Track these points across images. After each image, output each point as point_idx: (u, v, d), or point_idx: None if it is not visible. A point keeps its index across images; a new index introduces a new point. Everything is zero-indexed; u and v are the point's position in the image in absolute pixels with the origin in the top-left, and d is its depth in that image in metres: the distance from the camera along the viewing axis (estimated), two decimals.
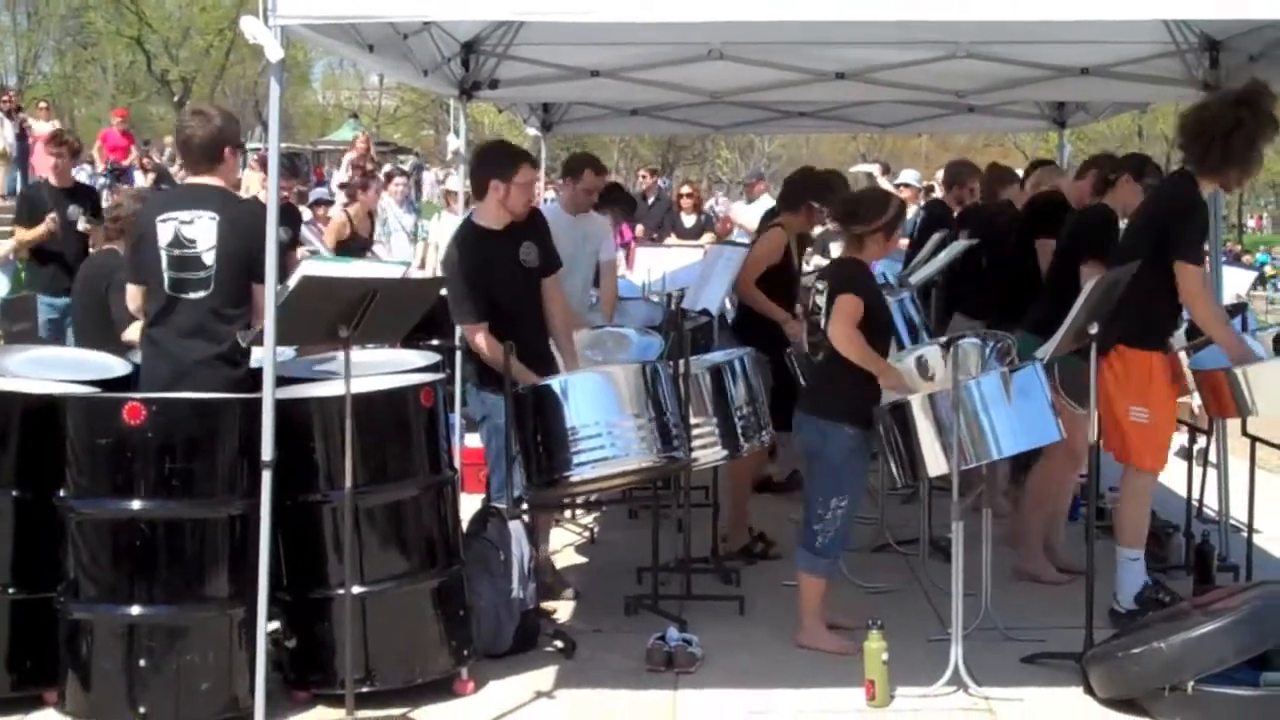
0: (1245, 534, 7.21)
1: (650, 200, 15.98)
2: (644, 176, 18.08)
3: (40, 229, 9.77)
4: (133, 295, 6.05)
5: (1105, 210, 7.02)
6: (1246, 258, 32.02)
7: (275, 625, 5.49)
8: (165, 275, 5.72)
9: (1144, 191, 6.98)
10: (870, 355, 5.96)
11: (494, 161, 6.49)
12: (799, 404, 6.26)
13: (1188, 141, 6.25)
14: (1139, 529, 6.43)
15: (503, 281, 6.41)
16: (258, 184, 11.81)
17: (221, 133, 5.83)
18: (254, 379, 5.67)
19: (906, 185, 14.70)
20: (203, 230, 5.70)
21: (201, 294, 5.69)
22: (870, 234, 6.06)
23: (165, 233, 5.73)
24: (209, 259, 5.69)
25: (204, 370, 5.66)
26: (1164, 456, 6.49)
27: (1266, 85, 6.22)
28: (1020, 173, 9.53)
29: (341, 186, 17.53)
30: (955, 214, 9.76)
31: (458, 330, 8.07)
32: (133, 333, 6.60)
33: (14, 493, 5.41)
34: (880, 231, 6.06)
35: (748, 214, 14.39)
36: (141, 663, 5.11)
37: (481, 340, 6.24)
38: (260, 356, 5.38)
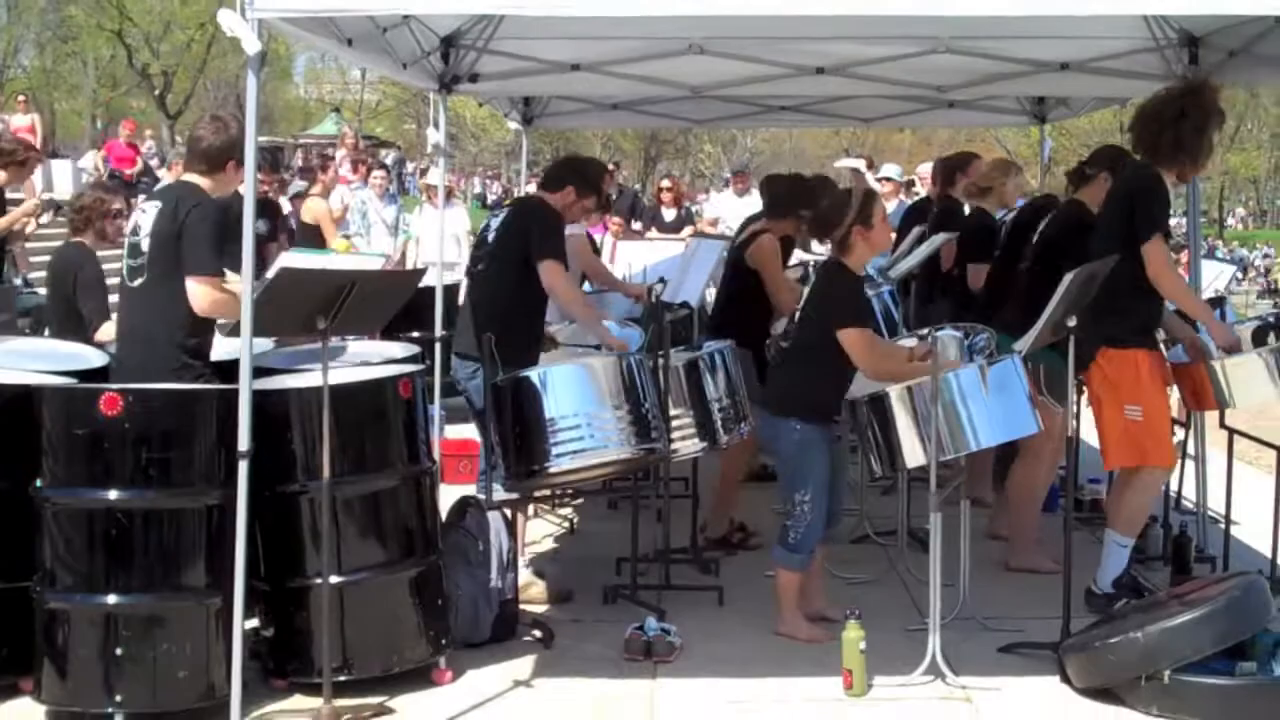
0: (1223, 525, 7.25)
1: (614, 194, 16.01)
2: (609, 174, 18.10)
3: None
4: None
5: (1079, 209, 7.05)
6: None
7: (254, 622, 5.50)
8: (124, 263, 5.73)
9: None
10: (908, 368, 5.98)
11: (582, 176, 6.96)
12: (760, 399, 6.31)
13: (1140, 132, 6.34)
14: (1136, 519, 6.49)
15: None
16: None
17: (234, 144, 5.72)
18: (220, 368, 5.67)
19: (888, 179, 14.73)
20: (147, 219, 5.66)
21: (140, 280, 5.64)
22: (846, 234, 6.03)
23: (131, 221, 5.80)
24: (145, 245, 5.63)
25: (149, 354, 5.60)
26: (1170, 449, 6.51)
27: (1209, 79, 6.42)
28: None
29: (301, 170, 17.50)
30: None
31: (438, 322, 8.10)
32: (105, 333, 6.56)
33: None
34: (857, 226, 6.01)
35: (734, 207, 14.38)
36: (118, 651, 5.10)
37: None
38: (235, 348, 5.36)
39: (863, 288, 6.23)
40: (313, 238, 12.26)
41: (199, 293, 5.51)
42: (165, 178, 5.71)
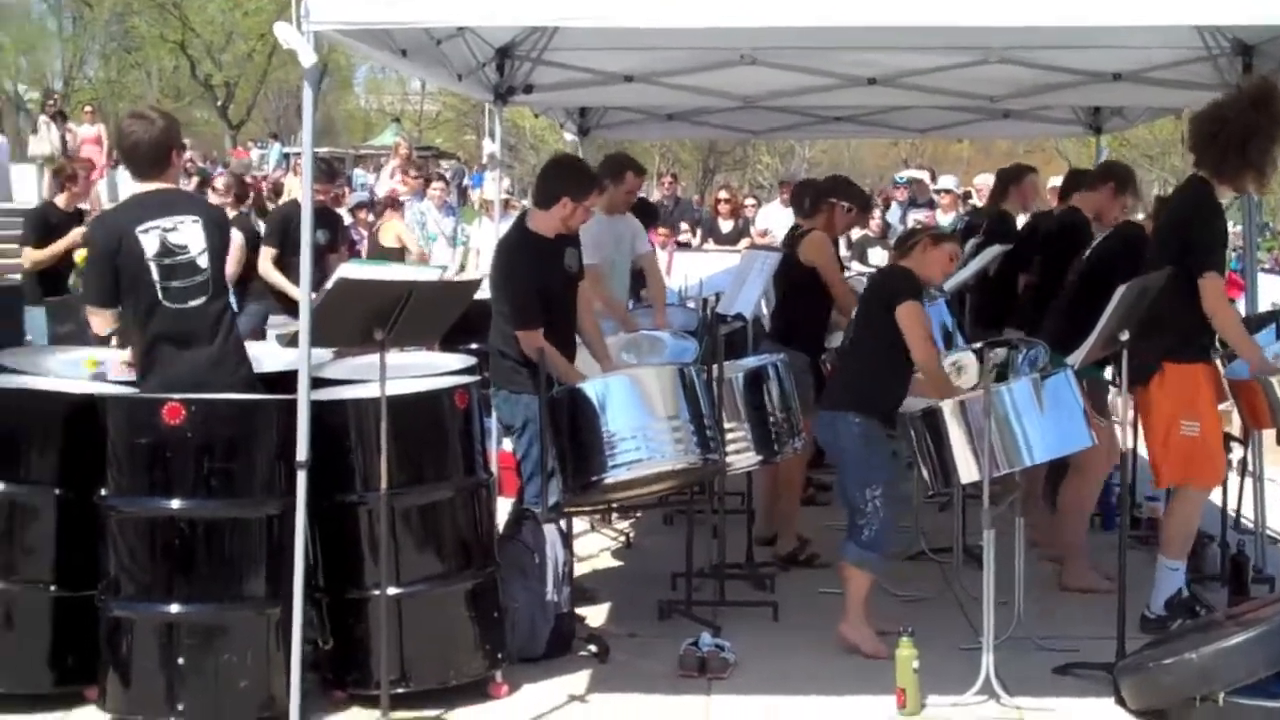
0: None
1: (670, 207, 16.08)
2: (665, 183, 18.17)
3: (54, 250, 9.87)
4: (105, 321, 5.74)
5: (1136, 229, 7.06)
6: None
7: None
8: (157, 288, 5.54)
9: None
10: (944, 376, 6.11)
11: (572, 180, 6.57)
12: (818, 402, 6.34)
13: (1202, 147, 6.23)
14: (1185, 542, 6.43)
15: (555, 288, 6.49)
16: (298, 187, 11.91)
17: (167, 134, 5.70)
18: (281, 379, 5.73)
19: (946, 191, 14.70)
20: (191, 234, 5.58)
21: (203, 299, 5.59)
22: (916, 241, 6.23)
23: (150, 243, 5.53)
24: (203, 262, 5.59)
25: (220, 371, 5.59)
26: (1220, 467, 6.48)
27: (1275, 84, 6.22)
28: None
29: (366, 189, 17.63)
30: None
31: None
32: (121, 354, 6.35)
33: (56, 491, 5.48)
34: (927, 239, 6.26)
35: (782, 217, 14.39)
36: (180, 661, 5.16)
37: (543, 344, 6.22)
38: (293, 358, 5.42)
39: (921, 286, 6.26)
40: (394, 259, 12.37)
41: None
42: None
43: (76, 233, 9.83)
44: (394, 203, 14.53)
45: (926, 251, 6.24)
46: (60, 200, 10.37)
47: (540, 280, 6.40)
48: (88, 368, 6.13)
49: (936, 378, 6.11)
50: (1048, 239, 8.02)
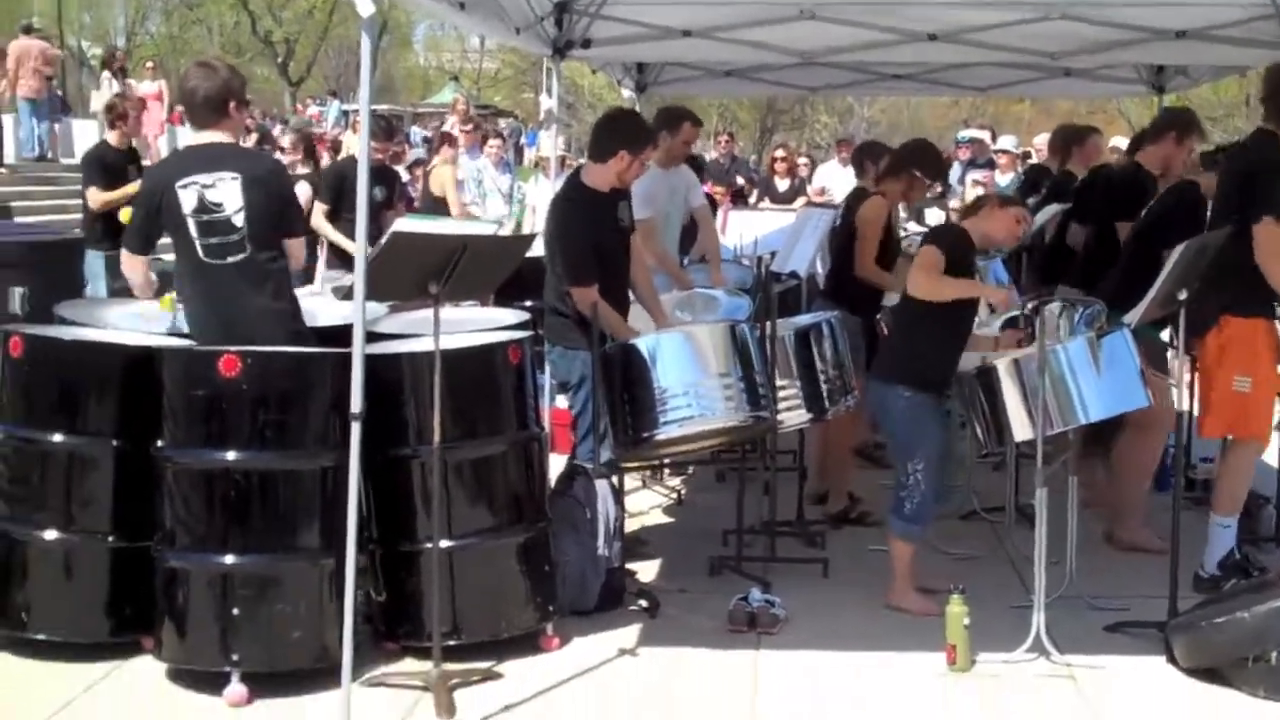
0: None
1: (725, 165, 16.05)
2: (722, 141, 18.09)
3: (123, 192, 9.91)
4: (134, 265, 5.89)
5: (1192, 188, 6.96)
6: None
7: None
8: (197, 243, 5.59)
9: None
10: (952, 283, 5.98)
11: (630, 134, 6.54)
12: (870, 368, 6.31)
13: (1269, 98, 6.18)
14: (1236, 498, 6.39)
15: (609, 243, 6.48)
16: (356, 145, 11.96)
17: (227, 86, 5.71)
18: (335, 333, 5.75)
19: (1005, 151, 14.59)
20: (228, 192, 5.57)
21: (240, 256, 5.59)
22: (983, 203, 6.21)
23: (188, 199, 5.57)
24: (239, 220, 5.58)
25: (264, 326, 5.62)
26: (1269, 424, 6.43)
27: None
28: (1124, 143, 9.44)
29: (425, 141, 17.62)
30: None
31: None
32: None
33: (114, 443, 5.54)
34: (996, 202, 6.24)
35: (841, 176, 14.33)
36: (235, 611, 5.21)
37: (598, 300, 6.19)
38: (348, 312, 5.45)
39: (971, 245, 6.20)
40: (443, 210, 12.42)
41: (299, 246, 5.86)
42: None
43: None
44: (449, 139, 14.49)
45: (994, 213, 6.18)
46: (112, 138, 10.42)
47: (594, 236, 6.39)
48: (165, 308, 6.17)
49: (940, 294, 6.00)
50: (1109, 194, 7.88)
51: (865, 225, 7.72)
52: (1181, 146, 7.58)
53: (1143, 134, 8.51)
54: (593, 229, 6.40)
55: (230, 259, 5.61)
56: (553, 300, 6.54)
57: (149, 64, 26.89)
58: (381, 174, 9.87)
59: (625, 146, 6.44)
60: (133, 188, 9.82)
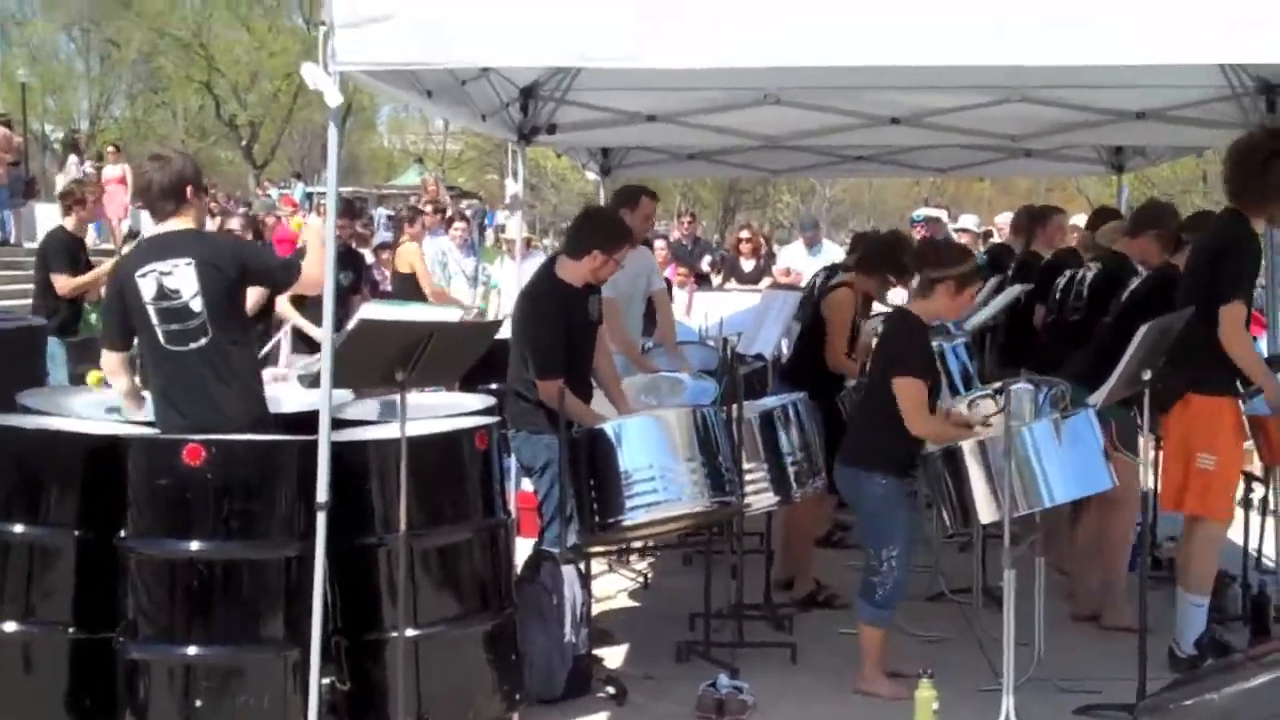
0: None
1: (689, 246, 16.11)
2: (684, 223, 18.10)
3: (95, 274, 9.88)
4: (116, 367, 5.83)
5: (1173, 271, 7.01)
6: None
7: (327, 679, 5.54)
8: (158, 330, 5.55)
9: None
10: (951, 430, 6.04)
11: (604, 233, 6.61)
12: (838, 453, 6.30)
13: (1229, 176, 6.29)
14: (1205, 576, 6.41)
15: (579, 336, 6.53)
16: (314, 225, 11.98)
17: (181, 175, 5.70)
18: (300, 420, 5.73)
19: (965, 230, 14.69)
20: (184, 278, 5.53)
21: (202, 341, 5.55)
22: (942, 281, 6.09)
23: (147, 287, 5.55)
24: (196, 305, 5.54)
25: (229, 410, 5.57)
26: (1232, 504, 6.46)
27: None
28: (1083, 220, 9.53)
29: (390, 219, 17.64)
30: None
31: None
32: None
33: (76, 533, 5.45)
34: (952, 281, 6.08)
35: (804, 260, 14.40)
36: (198, 703, 5.13)
37: (564, 392, 6.17)
38: (314, 399, 5.42)
39: (928, 340, 6.23)
40: (410, 287, 12.39)
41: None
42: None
43: (110, 262, 9.89)
44: (416, 214, 14.49)
45: (951, 298, 6.13)
46: (69, 224, 10.39)
47: (564, 330, 6.43)
48: (93, 384, 6.12)
49: (941, 439, 6.07)
50: (1094, 289, 7.81)
51: (835, 313, 7.76)
52: (1161, 240, 7.56)
53: (1103, 211, 8.61)
54: (563, 323, 6.43)
55: (192, 345, 5.56)
56: (517, 385, 6.54)
57: (110, 148, 26.92)
58: (347, 258, 9.88)
59: (599, 246, 6.51)
60: (104, 269, 9.82)
